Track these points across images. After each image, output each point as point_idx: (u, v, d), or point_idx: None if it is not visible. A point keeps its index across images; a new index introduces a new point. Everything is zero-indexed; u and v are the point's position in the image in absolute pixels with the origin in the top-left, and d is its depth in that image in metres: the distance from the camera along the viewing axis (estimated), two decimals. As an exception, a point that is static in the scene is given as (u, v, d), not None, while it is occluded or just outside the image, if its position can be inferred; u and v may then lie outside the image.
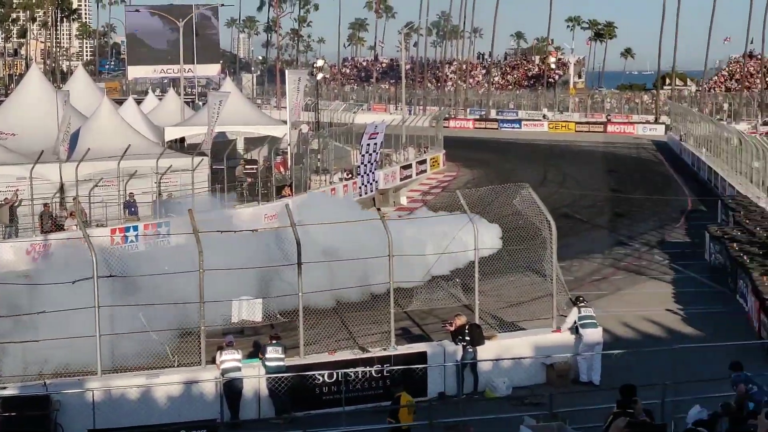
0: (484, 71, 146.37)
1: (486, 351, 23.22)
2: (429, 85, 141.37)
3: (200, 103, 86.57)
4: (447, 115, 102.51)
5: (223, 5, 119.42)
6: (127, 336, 21.91)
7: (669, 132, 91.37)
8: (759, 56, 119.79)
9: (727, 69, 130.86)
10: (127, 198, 40.47)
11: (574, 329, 23.94)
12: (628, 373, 21.34)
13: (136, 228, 38.45)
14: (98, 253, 21.11)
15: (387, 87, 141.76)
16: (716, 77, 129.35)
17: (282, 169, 50.67)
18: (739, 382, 16.88)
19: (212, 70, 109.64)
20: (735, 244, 32.94)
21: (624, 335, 27.03)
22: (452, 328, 23.27)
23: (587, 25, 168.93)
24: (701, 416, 15.98)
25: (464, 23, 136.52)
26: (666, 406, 18.44)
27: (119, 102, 59.96)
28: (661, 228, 43.89)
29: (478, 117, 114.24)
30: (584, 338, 23.66)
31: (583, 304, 24.23)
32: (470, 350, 22.86)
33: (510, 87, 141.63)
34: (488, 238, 27.25)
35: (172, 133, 52.92)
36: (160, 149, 44.28)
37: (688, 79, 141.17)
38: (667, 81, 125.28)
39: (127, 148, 40.13)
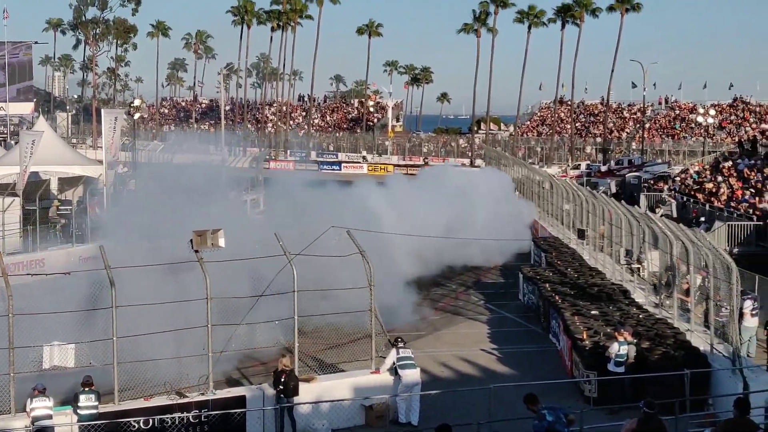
0: (304, 113, 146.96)
1: (305, 393, 23.13)
2: (249, 126, 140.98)
3: (12, 142, 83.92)
4: (267, 157, 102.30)
5: (36, 42, 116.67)
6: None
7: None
8: (569, 102, 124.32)
9: (539, 114, 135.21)
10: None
11: (393, 370, 24.11)
12: (445, 412, 21.63)
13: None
14: None
15: (207, 127, 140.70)
16: (529, 122, 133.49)
17: (97, 210, 49.55)
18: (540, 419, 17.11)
19: (25, 108, 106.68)
20: (547, 285, 33.90)
21: (441, 375, 27.41)
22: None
23: (404, 70, 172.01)
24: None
25: (284, 65, 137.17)
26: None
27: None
28: (476, 268, 44.71)
29: (298, 159, 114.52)
30: (403, 379, 23.85)
31: (401, 345, 24.45)
32: (285, 400, 22.74)
33: (330, 129, 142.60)
34: None
35: (-19, 173, 51.10)
36: (-32, 190, 42.75)
37: (501, 124, 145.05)
38: (482, 125, 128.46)
39: (-68, 189, 38.68)
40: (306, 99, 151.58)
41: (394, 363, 24.08)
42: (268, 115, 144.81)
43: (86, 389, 21.45)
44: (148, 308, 24.00)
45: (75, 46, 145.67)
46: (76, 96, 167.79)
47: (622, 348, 24.39)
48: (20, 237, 42.65)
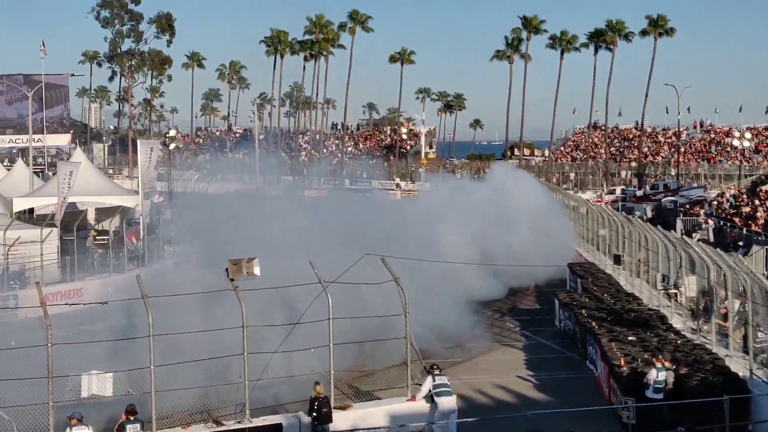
0: (337, 141, 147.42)
1: (341, 421, 23.13)
2: (283, 155, 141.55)
3: (50, 173, 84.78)
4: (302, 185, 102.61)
5: (73, 75, 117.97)
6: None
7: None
8: (603, 127, 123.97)
9: (572, 139, 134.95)
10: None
11: (429, 398, 24.06)
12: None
13: (-19, 302, 37.32)
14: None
15: (241, 157, 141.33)
16: (562, 147, 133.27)
17: (134, 240, 49.92)
18: None
19: (62, 139, 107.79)
20: (584, 311, 33.71)
21: (478, 402, 27.30)
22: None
23: (437, 97, 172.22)
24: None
25: (317, 94, 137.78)
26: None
27: (-36, 172, 58.36)
28: (512, 295, 44.59)
29: (332, 186, 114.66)
30: (439, 406, 23.79)
31: (437, 372, 24.40)
32: (321, 428, 22.75)
33: (363, 157, 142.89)
34: None
35: (20, 204, 51.68)
36: (8, 220, 43.17)
37: (535, 149, 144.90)
38: (516, 151, 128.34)
39: (-27, 219, 39.11)
40: (339, 127, 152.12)
41: (430, 390, 24.04)
42: (302, 143, 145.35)
43: (131, 418, 21.47)
44: (185, 335, 24.13)
45: (111, 78, 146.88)
46: (112, 127, 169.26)
47: (660, 374, 24.20)
48: (58, 267, 43.02)
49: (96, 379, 23.63)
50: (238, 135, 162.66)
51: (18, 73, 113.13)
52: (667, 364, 24.70)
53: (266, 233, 36.04)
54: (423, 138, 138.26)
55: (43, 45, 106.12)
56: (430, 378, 24.18)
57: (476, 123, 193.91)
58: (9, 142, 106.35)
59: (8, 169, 68.68)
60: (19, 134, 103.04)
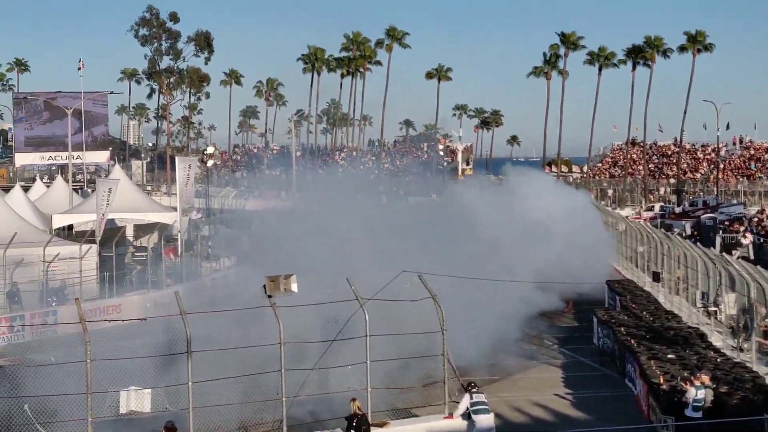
0: (374, 158, 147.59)
1: (379, 439, 23.10)
2: (320, 171, 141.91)
3: (89, 190, 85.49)
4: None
5: (112, 92, 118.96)
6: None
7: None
8: (641, 143, 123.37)
9: (610, 155, 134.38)
10: (11, 287, 39.63)
11: (467, 415, 23.97)
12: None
13: (23, 317, 37.63)
14: None
15: (278, 173, 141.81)
16: (600, 164, 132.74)
17: (172, 256, 50.20)
18: None
19: (101, 156, 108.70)
20: (622, 329, 33.50)
21: (516, 420, 27.18)
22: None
23: (474, 113, 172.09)
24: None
25: (354, 111, 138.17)
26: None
27: (6, 190, 59.00)
28: (549, 312, 44.33)
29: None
30: (477, 424, 23.68)
31: (474, 389, 24.31)
32: None
33: (400, 173, 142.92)
34: None
35: (60, 221, 52.19)
36: (48, 237, 43.56)
37: (573, 165, 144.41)
38: (553, 167, 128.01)
39: (13, 236, 39.40)
40: (376, 144, 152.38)
41: (467, 408, 23.93)
42: (339, 160, 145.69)
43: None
44: (223, 352, 24.22)
45: (149, 96, 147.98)
46: (150, 144, 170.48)
47: (699, 392, 23.98)
48: (97, 283, 43.32)
49: (134, 395, 23.78)
50: (275, 152, 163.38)
51: (57, 91, 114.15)
52: (706, 381, 24.47)
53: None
54: (460, 155, 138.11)
55: (81, 62, 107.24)
56: (467, 395, 24.09)
57: (513, 139, 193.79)
58: (48, 159, 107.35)
59: (48, 186, 69.39)
60: (57, 151, 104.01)
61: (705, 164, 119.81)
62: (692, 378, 24.76)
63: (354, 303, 24.30)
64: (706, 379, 24.57)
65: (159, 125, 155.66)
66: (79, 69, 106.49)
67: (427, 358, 25.85)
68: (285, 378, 22.74)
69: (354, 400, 23.48)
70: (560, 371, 33.78)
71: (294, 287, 22.77)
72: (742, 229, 66.00)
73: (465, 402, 24.06)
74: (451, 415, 24.29)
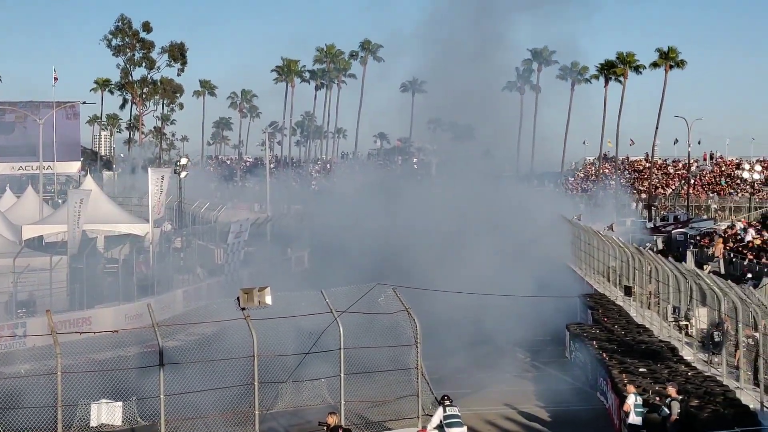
0: (347, 170, 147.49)
1: (352, 452, 23.04)
2: (293, 183, 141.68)
3: (60, 200, 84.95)
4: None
5: (84, 102, 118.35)
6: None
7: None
8: (613, 158, 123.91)
9: (582, 170, 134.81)
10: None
11: (440, 428, 23.97)
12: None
13: (-10, 329, 37.30)
14: None
15: (251, 185, 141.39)
16: (573, 179, 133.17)
17: (144, 268, 49.88)
18: None
19: (72, 167, 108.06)
20: (594, 342, 33.60)
21: (488, 433, 27.20)
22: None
23: (447, 127, 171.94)
24: None
25: (328, 123, 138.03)
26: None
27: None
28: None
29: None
30: (449, 437, 23.70)
31: (448, 402, 24.32)
32: None
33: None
34: None
35: (30, 232, 51.77)
36: (17, 248, 43.23)
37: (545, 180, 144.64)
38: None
39: (-17, 246, 39.16)
40: (350, 156, 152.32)
41: (441, 421, 23.96)
42: (312, 173, 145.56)
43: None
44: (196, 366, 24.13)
45: (122, 106, 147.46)
46: (122, 155, 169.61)
47: (638, 398, 24.30)
48: (67, 295, 42.97)
49: (105, 408, 23.58)
50: (248, 163, 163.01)
51: (29, 101, 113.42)
52: (673, 394, 24.52)
53: None
54: (434, 168, 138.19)
55: (55, 72, 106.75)
56: (441, 408, 24.11)
57: (486, 154, 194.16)
58: (19, 169, 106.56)
59: (18, 197, 68.82)
60: (28, 161, 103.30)
61: (676, 180, 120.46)
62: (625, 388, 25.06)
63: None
64: (672, 391, 24.68)
65: (131, 136, 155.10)
66: (54, 80, 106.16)
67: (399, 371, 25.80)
68: (258, 391, 22.66)
69: (331, 413, 23.46)
70: (532, 384, 33.81)
71: (269, 300, 22.69)
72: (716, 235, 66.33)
73: (438, 415, 24.09)
74: (424, 429, 24.28)
